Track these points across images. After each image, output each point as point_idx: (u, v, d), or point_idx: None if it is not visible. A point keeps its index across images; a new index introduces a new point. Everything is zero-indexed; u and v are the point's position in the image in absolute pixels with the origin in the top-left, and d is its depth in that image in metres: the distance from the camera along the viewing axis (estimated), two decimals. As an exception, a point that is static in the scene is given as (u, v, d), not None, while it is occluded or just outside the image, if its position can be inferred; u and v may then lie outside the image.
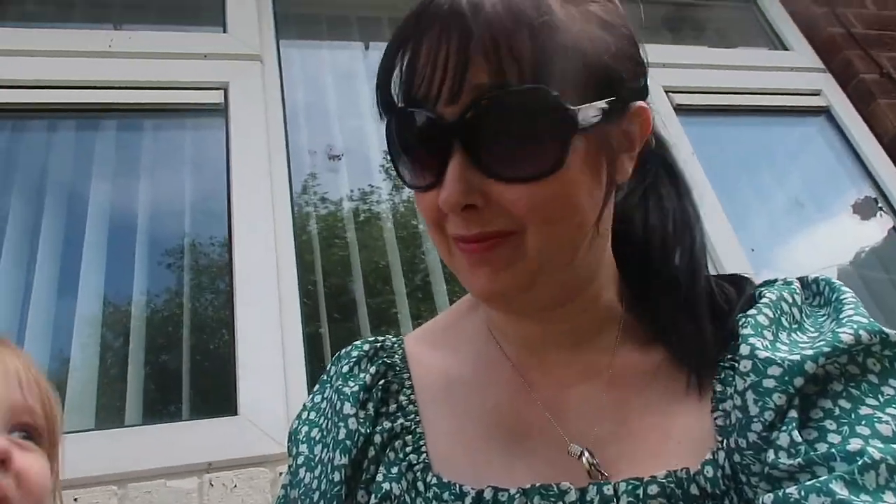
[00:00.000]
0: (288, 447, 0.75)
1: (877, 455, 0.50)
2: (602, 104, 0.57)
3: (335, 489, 0.66)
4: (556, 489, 0.60)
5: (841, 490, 0.49)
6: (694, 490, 0.58)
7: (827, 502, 0.49)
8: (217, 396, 1.51)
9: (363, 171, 2.09)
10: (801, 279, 0.69)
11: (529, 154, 0.56)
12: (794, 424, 0.54)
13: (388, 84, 0.60)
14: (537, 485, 0.61)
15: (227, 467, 1.28)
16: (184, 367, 1.58)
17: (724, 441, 0.59)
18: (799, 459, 0.52)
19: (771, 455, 0.54)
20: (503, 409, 0.69)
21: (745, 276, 0.71)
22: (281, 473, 1.30)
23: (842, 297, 0.63)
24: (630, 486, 0.59)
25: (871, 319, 0.59)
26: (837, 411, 0.55)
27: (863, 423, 0.53)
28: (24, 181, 1.81)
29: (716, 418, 0.61)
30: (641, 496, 0.58)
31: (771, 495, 0.52)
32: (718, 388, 0.63)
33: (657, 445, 0.62)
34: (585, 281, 0.65)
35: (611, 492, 0.59)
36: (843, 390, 0.56)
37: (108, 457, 1.24)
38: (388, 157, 0.63)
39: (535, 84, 0.54)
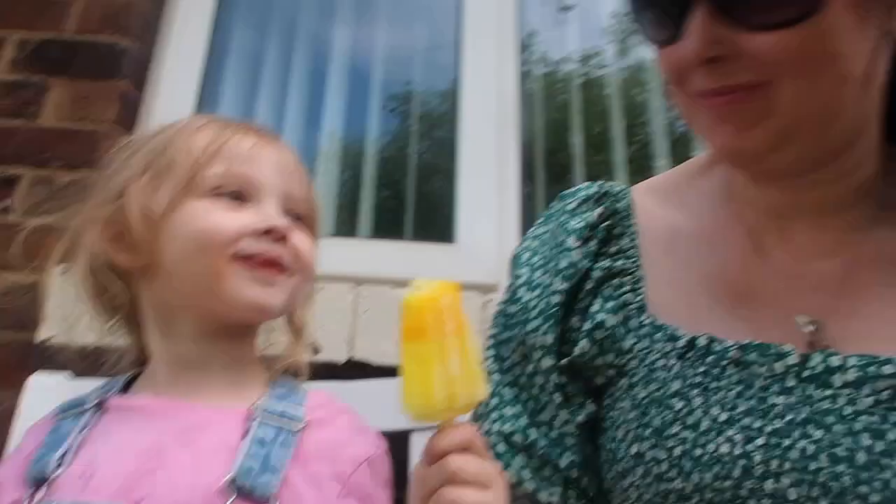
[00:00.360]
0: (509, 269, 0.78)
1: None
2: None
3: (552, 309, 0.70)
4: (776, 349, 0.59)
5: None
6: None
7: None
8: (437, 227, 1.61)
9: (592, 30, 2.02)
10: None
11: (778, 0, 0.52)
12: None
13: None
14: (756, 342, 0.59)
15: (443, 287, 1.36)
16: (408, 199, 1.69)
17: None
18: None
19: None
20: (730, 268, 0.67)
21: None
22: (490, 301, 1.37)
23: None
24: (862, 362, 0.56)
25: None
26: None
27: None
28: (277, 25, 1.96)
29: None
30: (871, 373, 0.56)
31: None
32: None
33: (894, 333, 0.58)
34: (843, 146, 0.59)
35: (839, 363, 0.57)
36: None
37: (346, 260, 1.38)
38: (630, 12, 0.61)
39: None
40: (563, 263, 0.71)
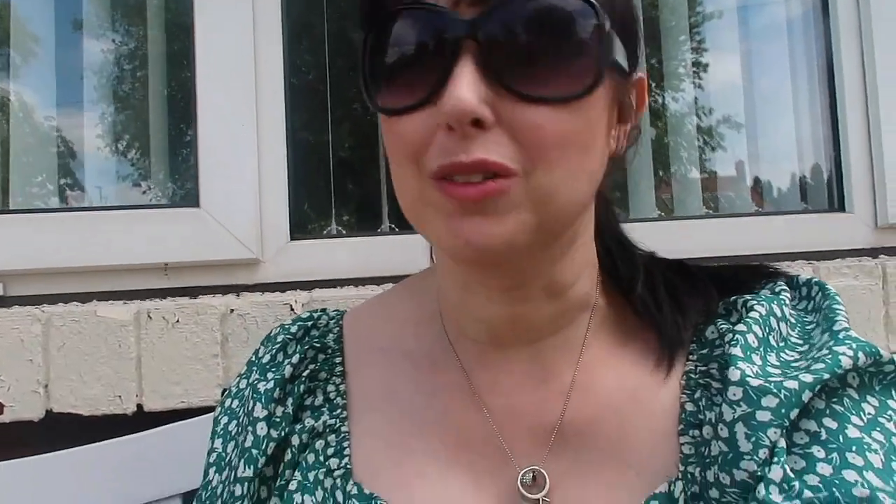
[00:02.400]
0: (211, 435, 0.67)
1: (888, 502, 0.47)
2: (622, 49, 0.52)
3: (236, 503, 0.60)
4: None
5: None
6: None
7: None
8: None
9: None
10: (789, 280, 0.64)
11: (562, 71, 0.48)
12: (784, 456, 0.50)
13: None
14: None
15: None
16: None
17: (690, 470, 0.54)
18: (797, 501, 0.48)
19: (762, 491, 0.49)
20: (447, 415, 0.61)
21: (690, 264, 0.66)
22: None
23: (834, 305, 0.59)
24: None
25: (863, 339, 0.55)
26: (824, 434, 0.51)
27: (853, 449, 0.50)
28: None
29: (682, 444, 0.56)
30: None
31: None
32: (690, 407, 0.57)
33: (613, 476, 0.56)
34: (569, 260, 0.58)
35: None
36: (826, 407, 0.52)
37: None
38: (362, 79, 0.53)
39: None
40: (249, 441, 0.61)
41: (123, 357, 1.02)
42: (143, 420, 1.01)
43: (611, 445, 0.57)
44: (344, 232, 1.32)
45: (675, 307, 0.61)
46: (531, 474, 0.57)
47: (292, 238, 1.16)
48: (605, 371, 0.60)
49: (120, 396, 1.02)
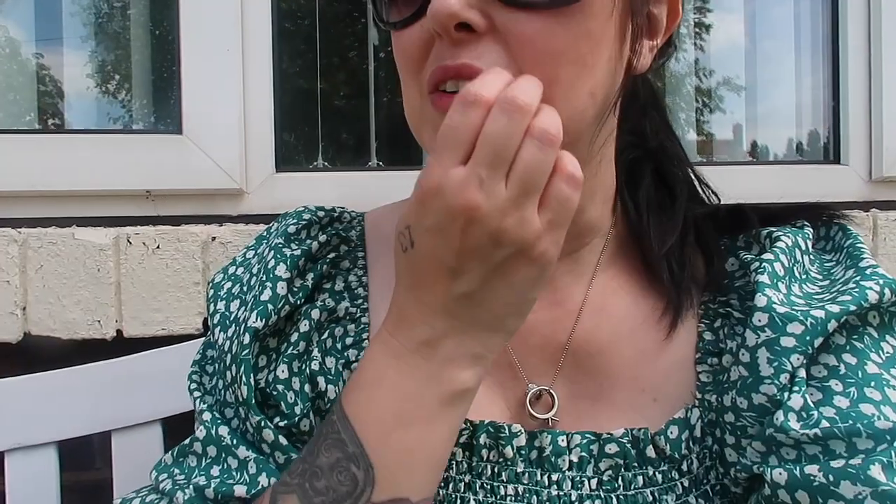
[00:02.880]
0: (207, 305, 0.67)
1: None
2: None
3: (244, 352, 0.59)
4: (506, 430, 0.55)
5: (879, 475, 0.45)
6: (650, 452, 0.54)
7: (866, 493, 0.44)
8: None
9: None
10: (812, 221, 0.63)
11: None
12: (804, 385, 0.50)
13: None
14: (486, 421, 0.56)
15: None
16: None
17: (707, 398, 0.55)
18: (816, 430, 0.48)
19: (780, 417, 0.49)
20: None
21: (745, 206, 0.65)
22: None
23: (857, 244, 0.59)
24: (585, 441, 0.54)
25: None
26: (843, 369, 0.51)
27: (871, 384, 0.50)
28: None
29: (700, 372, 0.56)
30: (595, 452, 0.54)
31: (784, 473, 0.48)
32: (708, 336, 0.58)
33: (627, 399, 0.57)
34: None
35: (564, 443, 0.55)
36: (847, 343, 0.52)
37: None
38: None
39: None
40: (266, 295, 0.61)
41: (102, 282, 1.00)
42: (123, 346, 1.00)
43: (626, 369, 0.58)
44: (330, 166, 1.30)
45: (704, 256, 0.62)
46: (538, 393, 0.58)
47: (277, 170, 1.14)
48: (620, 295, 0.61)
49: (99, 321, 1.00)
